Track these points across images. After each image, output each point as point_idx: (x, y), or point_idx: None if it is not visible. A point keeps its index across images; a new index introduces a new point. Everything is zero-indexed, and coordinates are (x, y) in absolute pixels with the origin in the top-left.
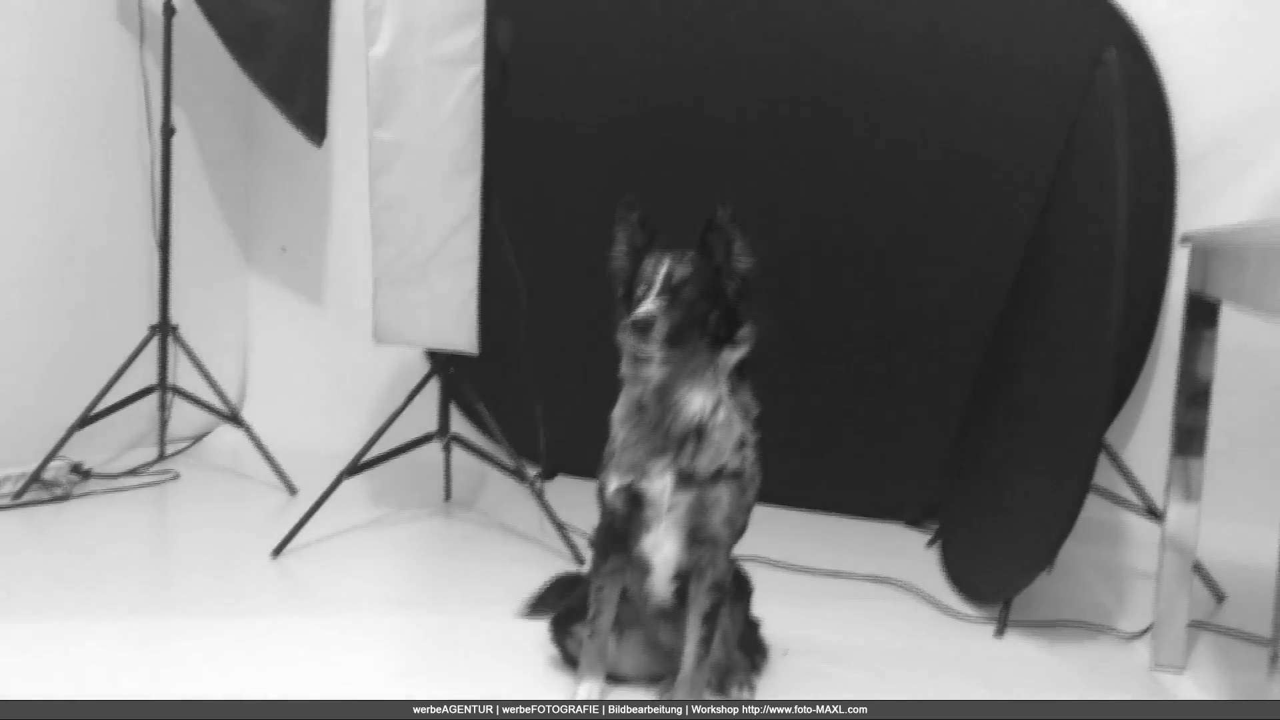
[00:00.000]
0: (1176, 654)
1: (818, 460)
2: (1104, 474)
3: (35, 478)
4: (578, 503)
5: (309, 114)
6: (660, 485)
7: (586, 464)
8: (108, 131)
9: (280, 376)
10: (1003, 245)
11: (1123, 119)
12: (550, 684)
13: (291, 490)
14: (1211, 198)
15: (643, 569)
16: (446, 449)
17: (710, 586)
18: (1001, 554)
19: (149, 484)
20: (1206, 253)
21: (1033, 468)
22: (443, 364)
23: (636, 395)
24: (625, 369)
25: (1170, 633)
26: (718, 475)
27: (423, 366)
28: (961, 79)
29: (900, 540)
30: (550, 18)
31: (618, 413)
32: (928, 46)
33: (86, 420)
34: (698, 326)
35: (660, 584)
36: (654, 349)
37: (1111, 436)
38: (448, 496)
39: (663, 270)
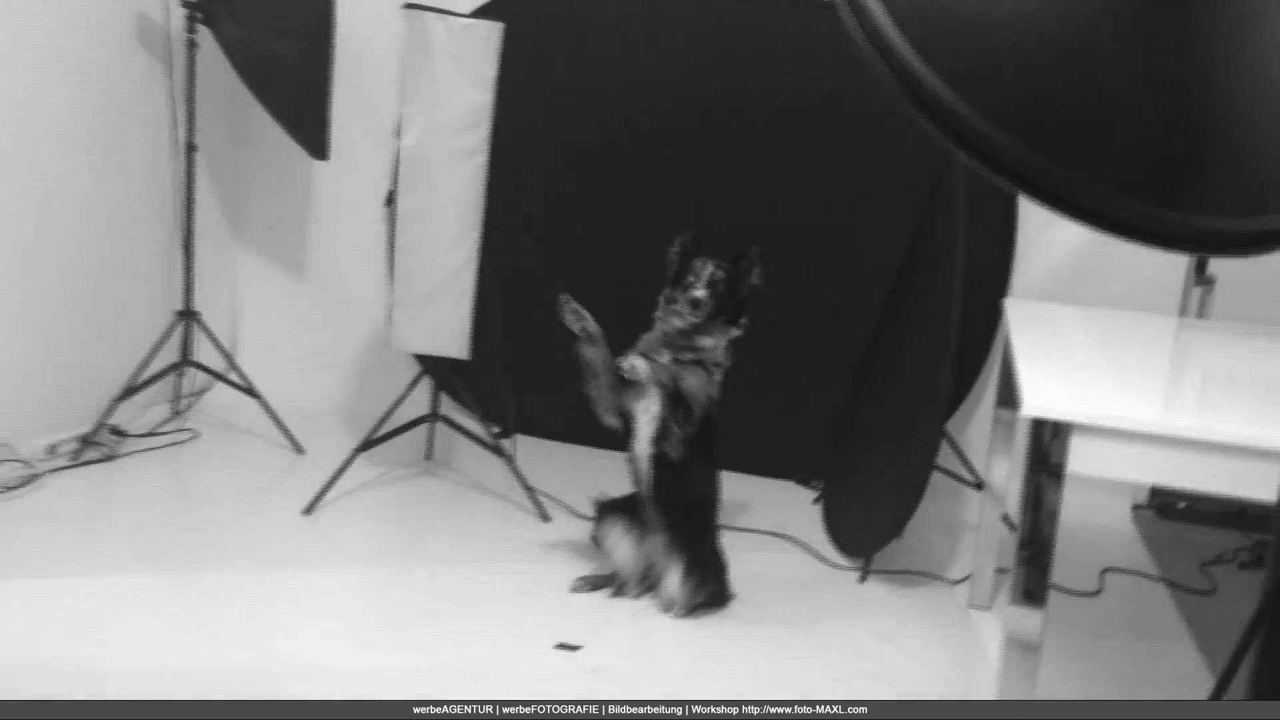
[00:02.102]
0: (985, 596)
1: (725, 423)
2: (946, 453)
3: (89, 441)
4: (536, 461)
5: (313, 138)
6: (646, 365)
7: (540, 427)
8: (132, 145)
9: (267, 341)
10: (889, 242)
11: (964, 210)
12: (547, 630)
13: (298, 450)
14: (1045, 227)
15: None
16: (432, 424)
17: (677, 443)
18: (865, 520)
19: (176, 443)
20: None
21: (891, 451)
22: (435, 362)
23: (666, 329)
24: (661, 315)
25: (982, 579)
26: (697, 363)
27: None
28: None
29: (792, 497)
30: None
31: (648, 336)
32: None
33: (128, 393)
34: (722, 312)
35: (643, 444)
36: (699, 318)
37: (955, 423)
38: (429, 456)
39: (709, 270)
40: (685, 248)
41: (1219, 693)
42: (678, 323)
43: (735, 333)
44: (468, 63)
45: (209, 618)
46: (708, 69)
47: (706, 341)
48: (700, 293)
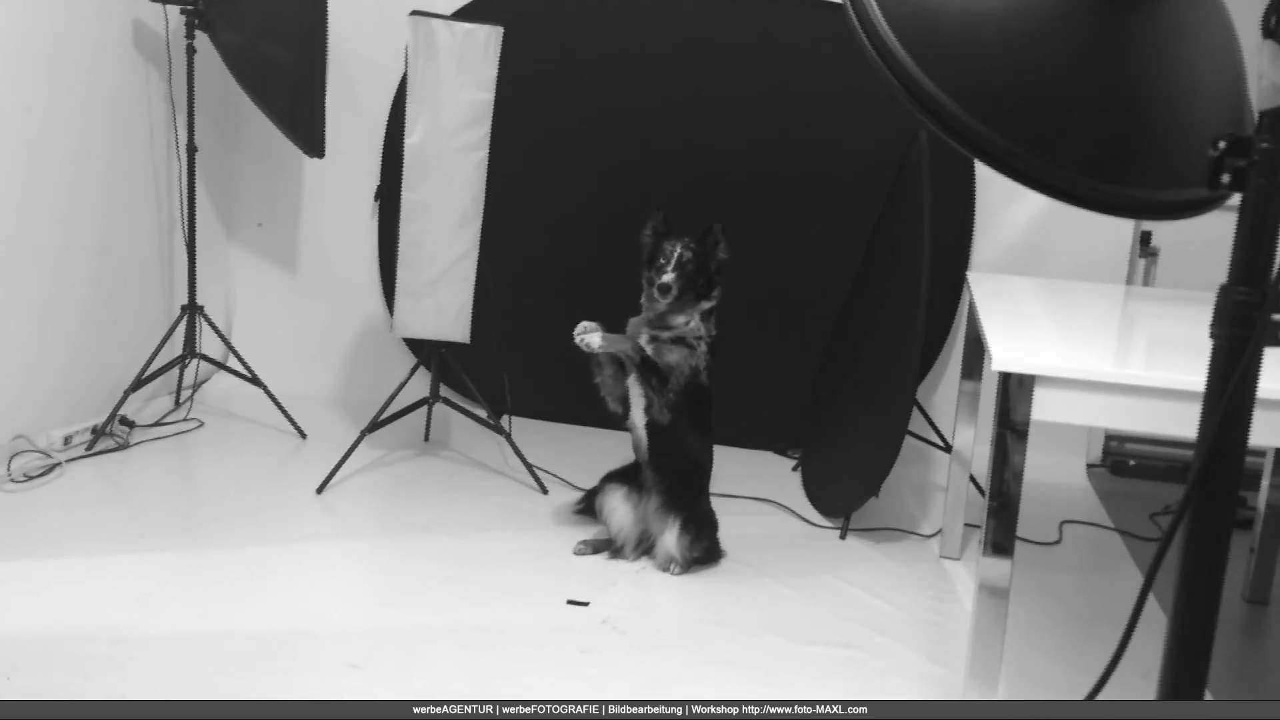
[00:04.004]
0: (955, 548)
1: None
2: (916, 420)
3: (102, 432)
4: (528, 440)
5: (310, 137)
6: (600, 339)
7: (529, 408)
8: (131, 148)
9: (261, 333)
10: (855, 226)
11: (929, 193)
12: (556, 589)
13: (301, 435)
14: (1001, 206)
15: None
16: (430, 406)
17: (660, 408)
18: (843, 482)
19: (184, 432)
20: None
21: (866, 418)
22: (435, 347)
23: (650, 313)
24: (645, 300)
25: (952, 534)
26: (677, 341)
27: (383, 333)
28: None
29: (772, 466)
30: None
31: (634, 319)
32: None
33: (139, 384)
34: (692, 289)
35: (638, 415)
36: (668, 301)
37: (922, 392)
38: (427, 438)
39: (676, 253)
40: (657, 230)
41: (1153, 571)
42: (657, 306)
43: (706, 305)
44: (470, 65)
45: (236, 587)
46: (690, 62)
47: (680, 319)
48: (667, 277)
